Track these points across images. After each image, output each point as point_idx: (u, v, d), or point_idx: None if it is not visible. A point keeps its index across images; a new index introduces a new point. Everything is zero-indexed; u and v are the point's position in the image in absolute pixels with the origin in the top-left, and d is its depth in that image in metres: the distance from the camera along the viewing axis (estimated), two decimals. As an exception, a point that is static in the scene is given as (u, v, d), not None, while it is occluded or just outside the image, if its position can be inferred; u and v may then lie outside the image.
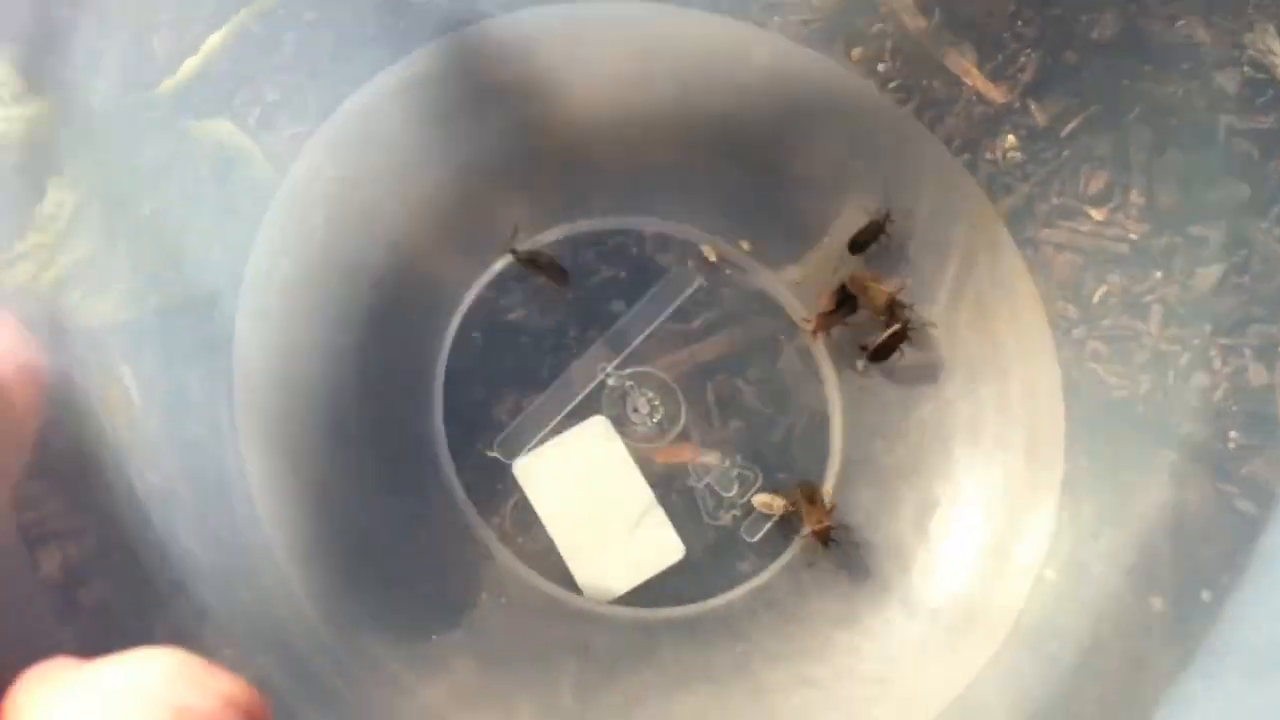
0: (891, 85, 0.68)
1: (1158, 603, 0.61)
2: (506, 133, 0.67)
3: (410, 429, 0.64)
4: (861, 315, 0.68)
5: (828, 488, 0.67)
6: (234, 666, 0.35)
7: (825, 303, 0.67)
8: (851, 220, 0.68)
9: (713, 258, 0.68)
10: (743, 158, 0.68)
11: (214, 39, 0.65)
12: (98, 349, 0.55)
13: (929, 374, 0.68)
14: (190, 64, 0.64)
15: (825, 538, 0.64)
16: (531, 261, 0.66)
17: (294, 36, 0.65)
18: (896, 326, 0.66)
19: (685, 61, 0.67)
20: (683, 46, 0.67)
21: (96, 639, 0.42)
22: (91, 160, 0.61)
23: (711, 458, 0.67)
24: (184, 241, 0.64)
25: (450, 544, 0.64)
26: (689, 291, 0.67)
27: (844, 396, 0.68)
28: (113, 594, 0.50)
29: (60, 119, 0.59)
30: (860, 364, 0.68)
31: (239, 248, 0.65)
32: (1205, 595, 0.60)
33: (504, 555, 0.64)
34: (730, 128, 0.67)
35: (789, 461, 0.67)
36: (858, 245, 0.67)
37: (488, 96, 0.67)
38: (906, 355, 0.67)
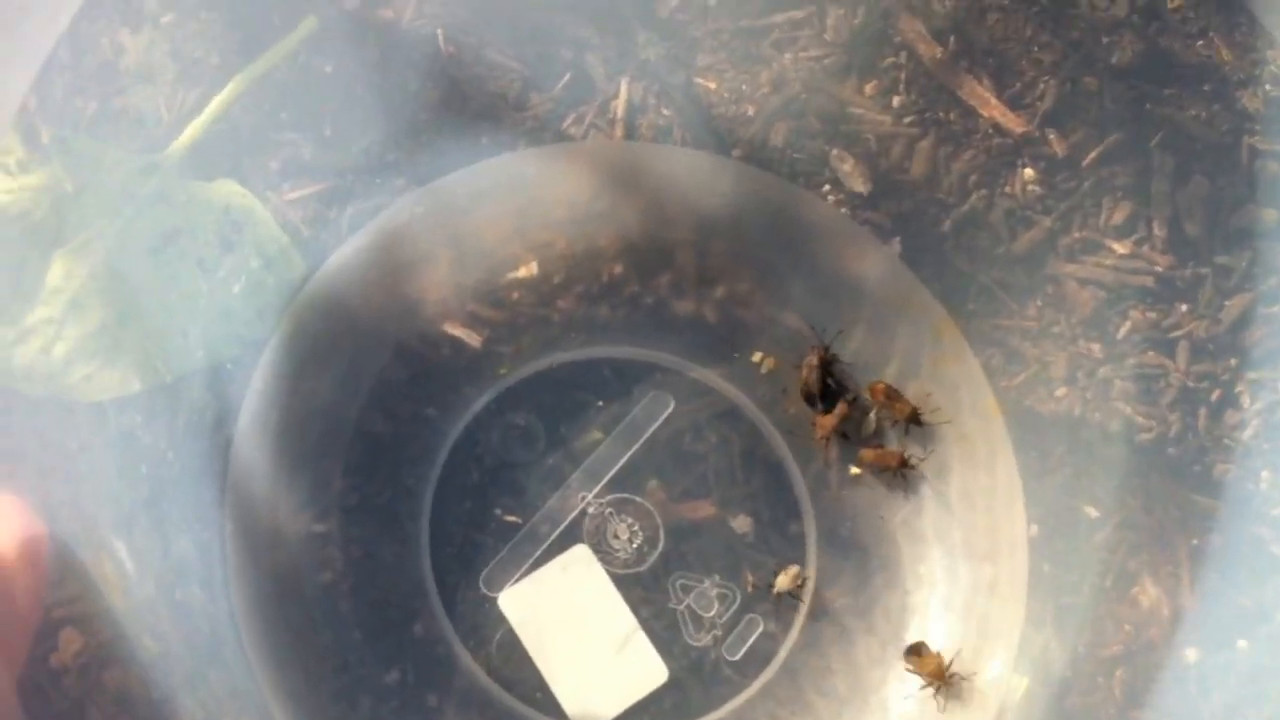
0: (907, 120, 0.67)
1: (1192, 654, 0.60)
2: (481, 267, 0.68)
3: (398, 568, 0.65)
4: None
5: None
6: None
7: (826, 418, 0.68)
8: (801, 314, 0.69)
9: (766, 368, 0.69)
10: (710, 282, 0.69)
11: (219, 100, 0.64)
12: (91, 524, 0.55)
13: (898, 480, 0.68)
14: (198, 122, 0.64)
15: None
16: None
17: (302, 95, 0.65)
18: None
19: (653, 194, 0.68)
20: (649, 180, 0.68)
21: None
22: (98, 229, 0.60)
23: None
24: (192, 310, 0.63)
25: (440, 679, 0.65)
26: (663, 416, 0.68)
27: (816, 503, 0.68)
28: None
29: (64, 188, 0.59)
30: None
31: (246, 318, 0.65)
32: (1242, 644, 0.59)
33: (493, 688, 0.65)
34: (698, 254, 0.69)
35: (768, 574, 0.67)
36: (809, 399, 0.68)
37: (474, 235, 0.68)
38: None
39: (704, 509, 0.68)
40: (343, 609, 0.65)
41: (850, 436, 0.68)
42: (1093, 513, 0.64)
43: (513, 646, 0.65)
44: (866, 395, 0.68)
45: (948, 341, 0.68)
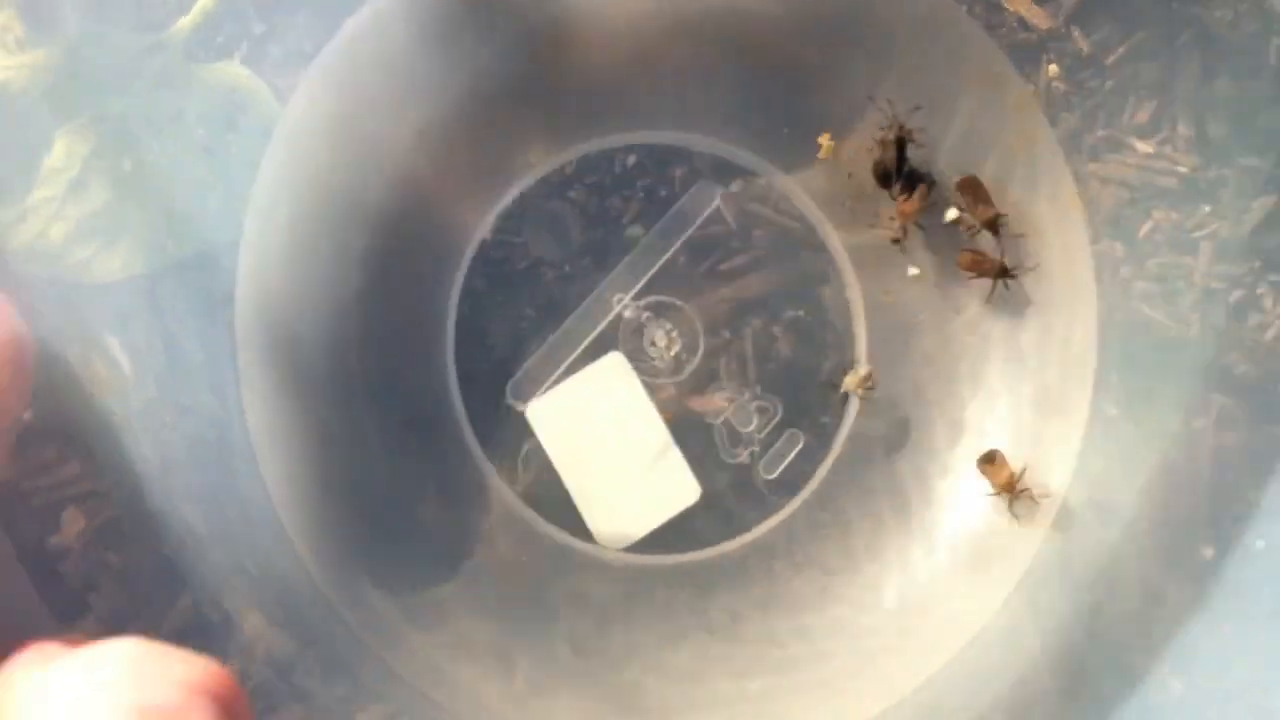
0: None
1: (1208, 551, 0.60)
2: (508, 50, 0.64)
3: (420, 376, 0.63)
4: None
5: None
6: (230, 628, 0.34)
7: (908, 203, 0.64)
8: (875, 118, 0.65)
9: (825, 152, 0.65)
10: (760, 58, 0.64)
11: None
12: (89, 315, 0.53)
13: (963, 291, 0.65)
14: (202, 3, 0.62)
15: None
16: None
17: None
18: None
19: None
20: None
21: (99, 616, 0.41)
22: (100, 109, 0.59)
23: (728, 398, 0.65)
24: (195, 191, 0.62)
25: (461, 494, 0.63)
26: (710, 209, 0.64)
27: (869, 307, 0.65)
28: (114, 566, 0.50)
29: (66, 66, 0.58)
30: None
31: (248, 196, 0.63)
32: (1260, 544, 0.59)
33: (516, 504, 0.63)
34: (747, 27, 0.64)
35: (810, 389, 0.65)
36: (885, 177, 0.64)
37: (488, 11, 0.64)
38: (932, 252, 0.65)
39: (750, 313, 0.65)
40: (361, 419, 0.62)
41: (924, 228, 0.65)
42: (1113, 412, 0.64)
43: (540, 462, 0.63)
44: (953, 190, 0.65)
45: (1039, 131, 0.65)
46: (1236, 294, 0.63)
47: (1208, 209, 0.63)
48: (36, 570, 0.51)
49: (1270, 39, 0.62)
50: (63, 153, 0.60)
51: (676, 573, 0.63)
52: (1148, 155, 0.64)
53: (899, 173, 0.64)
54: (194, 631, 0.53)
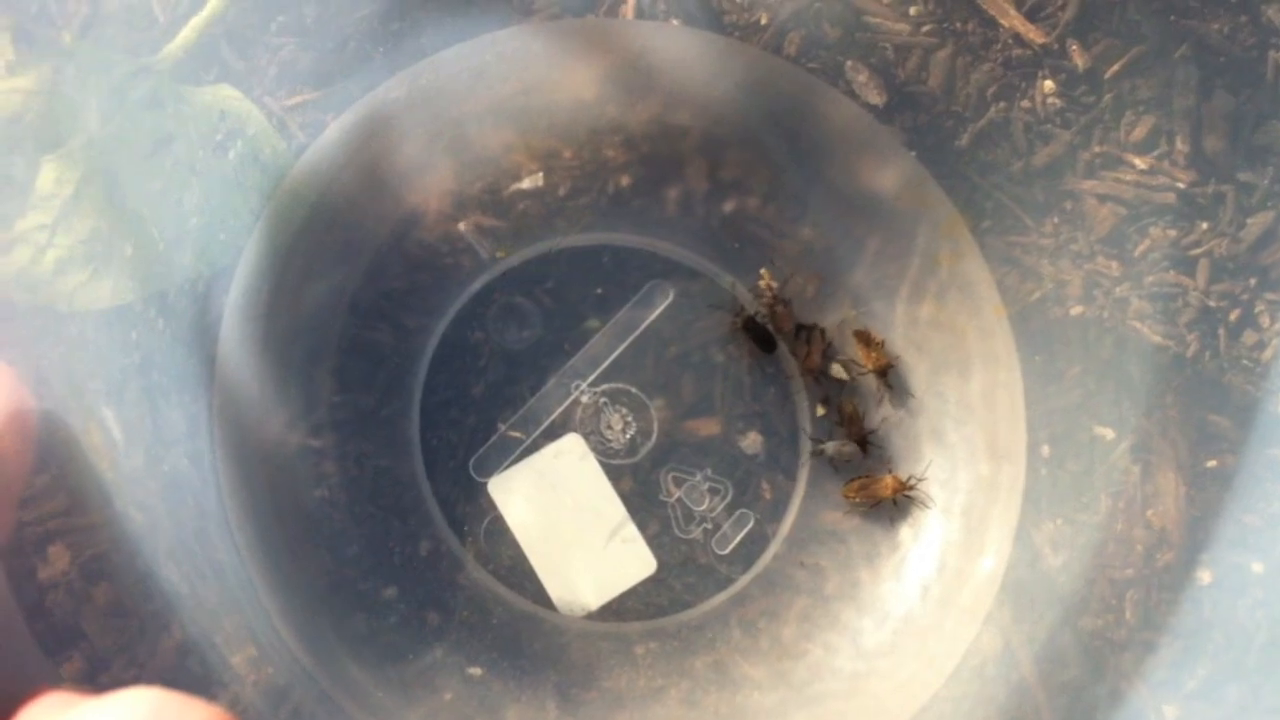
0: (925, 29, 0.65)
1: (1206, 576, 0.59)
2: (487, 148, 0.67)
3: (385, 451, 0.65)
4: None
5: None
6: (214, 697, 0.34)
7: (810, 356, 0.67)
8: (815, 227, 0.68)
9: (766, 283, 0.68)
10: (711, 171, 0.68)
11: (214, 1, 0.62)
12: (89, 386, 0.54)
13: (894, 375, 0.68)
14: (192, 26, 0.62)
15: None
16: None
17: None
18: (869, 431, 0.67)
19: (664, 76, 0.67)
20: (662, 61, 0.67)
21: (85, 673, 0.42)
22: (90, 133, 0.59)
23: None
24: (184, 217, 0.62)
25: (427, 566, 0.65)
26: (663, 306, 0.67)
27: (812, 400, 0.68)
28: (99, 627, 0.50)
29: (55, 91, 0.57)
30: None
31: (240, 223, 0.63)
32: (1257, 567, 0.58)
33: (480, 574, 0.65)
34: (705, 143, 0.67)
35: (758, 472, 0.67)
36: (765, 343, 0.67)
37: (475, 117, 0.67)
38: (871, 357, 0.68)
39: (704, 414, 0.67)
40: (330, 494, 0.65)
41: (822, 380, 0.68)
42: (1107, 433, 0.64)
43: (500, 534, 0.65)
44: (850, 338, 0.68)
45: (964, 246, 0.67)
46: (1234, 312, 0.62)
47: (1205, 226, 0.62)
48: (24, 604, 0.51)
49: (1268, 52, 0.61)
50: (51, 179, 0.59)
51: (650, 632, 0.65)
52: (1145, 171, 0.63)
53: (767, 341, 0.67)
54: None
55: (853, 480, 0.66)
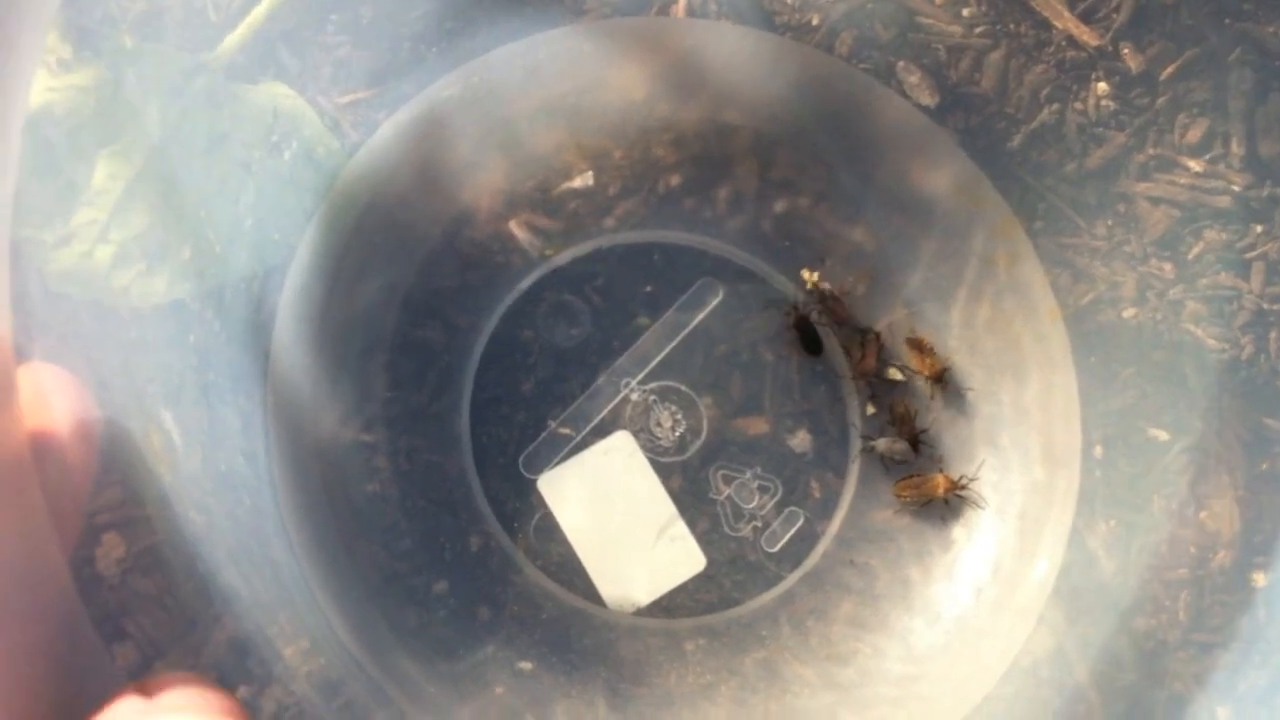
0: (978, 31, 0.65)
1: (1260, 578, 0.59)
2: (539, 146, 0.67)
3: (436, 447, 0.65)
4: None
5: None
6: (271, 696, 0.34)
7: (865, 359, 0.67)
8: (868, 227, 0.68)
9: (812, 284, 0.68)
10: (762, 170, 0.68)
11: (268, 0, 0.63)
12: (148, 390, 0.55)
13: (950, 376, 0.67)
14: (247, 24, 0.62)
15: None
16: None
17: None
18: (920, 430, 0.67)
19: (716, 75, 0.67)
20: (714, 60, 0.67)
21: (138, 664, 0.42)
22: (144, 130, 0.59)
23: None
24: (238, 214, 0.62)
25: (477, 562, 0.65)
26: (713, 304, 0.67)
27: (862, 400, 0.68)
28: (159, 629, 0.50)
29: (111, 88, 0.58)
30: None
31: (294, 221, 0.64)
32: None
33: (530, 570, 0.65)
34: (756, 142, 0.67)
35: (807, 470, 0.67)
36: (812, 344, 0.67)
37: (526, 116, 0.67)
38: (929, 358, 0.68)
39: (753, 413, 0.67)
40: (382, 491, 0.65)
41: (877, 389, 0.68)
42: (1161, 435, 0.63)
43: (550, 530, 0.66)
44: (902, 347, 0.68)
45: (1020, 249, 0.67)
46: (1290, 316, 0.61)
47: (1260, 229, 0.62)
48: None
49: (1324, 55, 0.60)
50: (105, 175, 0.60)
51: (699, 629, 0.65)
52: (1199, 174, 0.63)
53: (815, 343, 0.67)
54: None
55: (904, 479, 0.66)
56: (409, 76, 0.65)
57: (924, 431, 0.66)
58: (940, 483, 0.65)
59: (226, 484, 0.58)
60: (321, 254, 0.65)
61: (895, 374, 0.67)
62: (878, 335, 0.67)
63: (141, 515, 0.52)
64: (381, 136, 0.65)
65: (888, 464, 0.66)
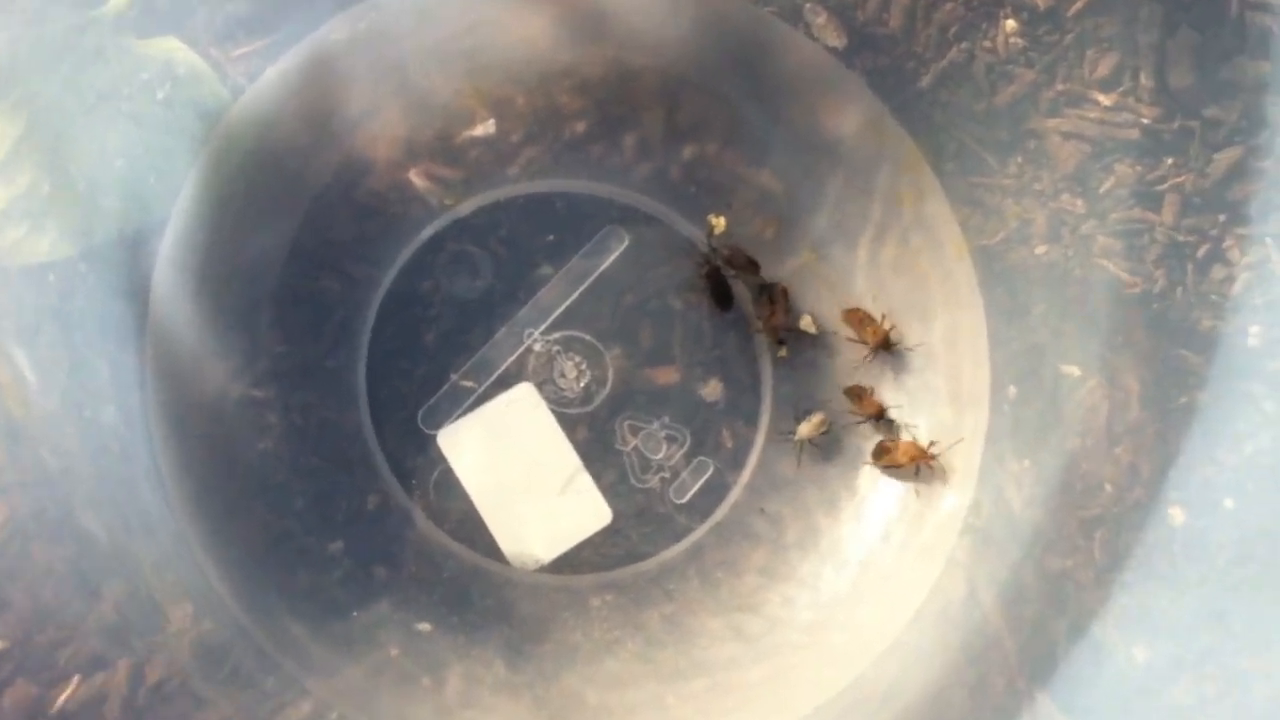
0: None
1: (1177, 514, 0.57)
2: (436, 93, 0.66)
3: (331, 402, 0.64)
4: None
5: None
6: (143, 656, 0.32)
7: (774, 314, 0.66)
8: (775, 171, 0.67)
9: (719, 229, 0.66)
10: (668, 115, 0.66)
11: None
12: None
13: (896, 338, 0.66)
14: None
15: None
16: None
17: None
18: (896, 440, 0.65)
19: (620, 19, 0.66)
20: (618, 3, 0.65)
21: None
22: (31, 89, 0.58)
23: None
24: (126, 171, 0.61)
25: (374, 520, 0.63)
26: (619, 251, 0.66)
27: (773, 348, 0.66)
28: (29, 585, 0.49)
29: (-3, 43, 0.56)
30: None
31: (177, 172, 0.62)
32: (1229, 504, 0.57)
33: (428, 527, 0.64)
34: (662, 86, 0.66)
35: (718, 419, 0.66)
36: (723, 299, 0.66)
37: (419, 60, 0.66)
38: (830, 302, 0.67)
39: (662, 363, 0.66)
40: (272, 445, 0.63)
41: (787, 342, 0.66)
42: (1074, 371, 0.62)
43: (451, 487, 0.64)
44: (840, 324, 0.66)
45: (926, 186, 0.66)
46: (1203, 248, 0.60)
47: (1171, 161, 0.61)
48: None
49: (1233, -12, 0.59)
50: (-9, 133, 0.58)
51: (605, 584, 0.64)
52: (1109, 108, 0.62)
53: (725, 297, 0.66)
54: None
55: (880, 446, 0.65)
56: (297, 23, 0.64)
57: (888, 410, 0.65)
58: (907, 450, 0.64)
59: (91, 429, 0.56)
60: (204, 201, 0.63)
61: (808, 324, 0.66)
62: (785, 290, 0.66)
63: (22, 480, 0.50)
64: (266, 81, 0.63)
65: (799, 456, 0.65)
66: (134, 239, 0.61)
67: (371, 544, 0.63)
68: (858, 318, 0.65)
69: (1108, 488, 0.60)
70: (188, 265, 0.63)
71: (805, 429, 0.65)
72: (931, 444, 0.64)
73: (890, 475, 0.65)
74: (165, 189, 0.63)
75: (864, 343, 0.65)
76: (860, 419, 0.65)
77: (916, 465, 0.64)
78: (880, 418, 0.65)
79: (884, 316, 0.66)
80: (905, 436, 0.65)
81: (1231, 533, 0.57)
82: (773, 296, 0.65)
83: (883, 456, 0.64)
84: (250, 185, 0.64)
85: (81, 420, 0.56)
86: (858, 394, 0.65)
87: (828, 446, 0.66)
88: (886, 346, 0.65)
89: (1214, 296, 0.60)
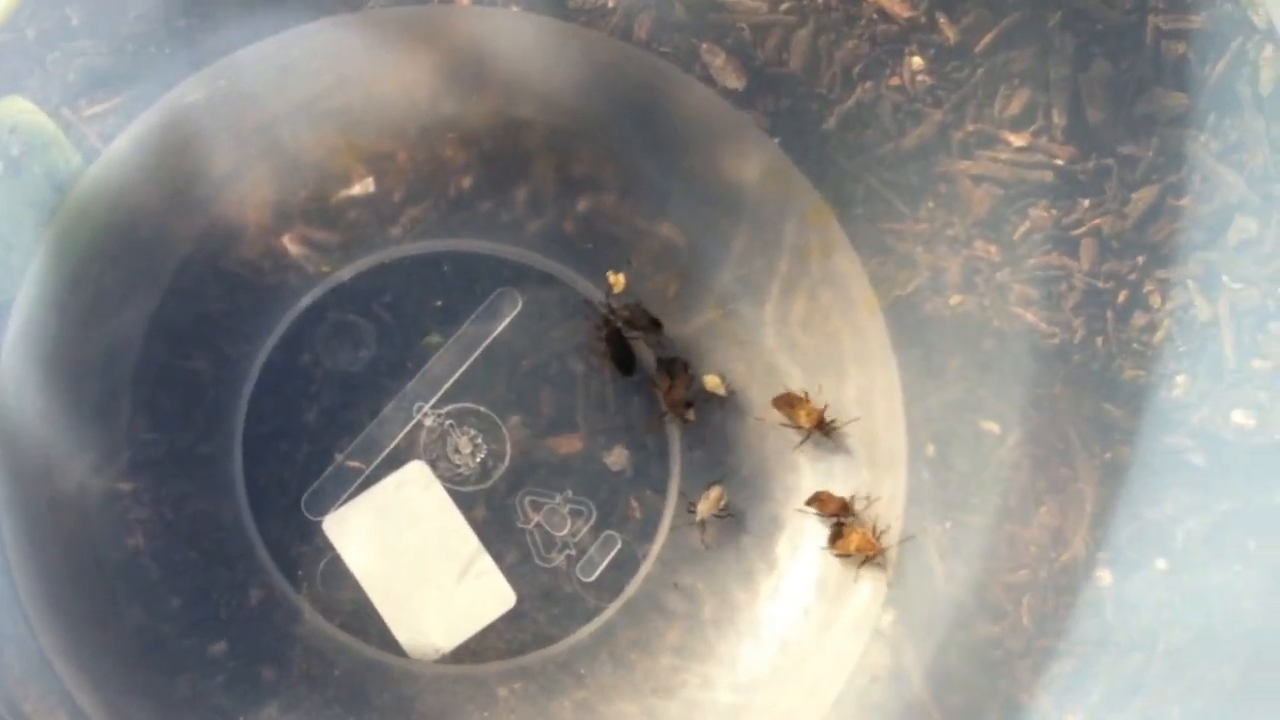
0: (783, 7, 0.62)
1: (1106, 576, 0.56)
2: (307, 152, 0.62)
3: (206, 492, 0.60)
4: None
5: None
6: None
7: (674, 389, 0.63)
8: (675, 223, 0.64)
9: (619, 287, 0.64)
10: (560, 167, 0.64)
11: (6, 2, 0.57)
12: None
13: (766, 380, 0.64)
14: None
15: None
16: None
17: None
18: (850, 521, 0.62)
19: (503, 66, 0.63)
20: (500, 50, 0.63)
21: None
22: None
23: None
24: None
25: (259, 616, 0.60)
26: (512, 315, 0.63)
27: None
28: None
29: None
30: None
31: (19, 254, 0.59)
32: (1160, 564, 0.56)
33: (318, 621, 0.61)
34: (552, 137, 0.63)
35: (625, 489, 0.63)
36: (624, 366, 0.63)
37: (286, 118, 0.62)
38: (739, 360, 0.64)
39: (564, 431, 0.63)
40: (140, 542, 0.60)
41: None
42: (993, 428, 0.61)
43: (340, 576, 0.61)
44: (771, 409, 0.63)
45: (833, 238, 0.63)
46: (1122, 294, 0.59)
47: (1087, 203, 0.60)
48: None
49: (1147, 15, 0.58)
50: None
51: (512, 672, 0.61)
52: (1021, 149, 0.60)
53: (628, 360, 0.63)
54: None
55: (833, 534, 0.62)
56: (147, 83, 0.60)
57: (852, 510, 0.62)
58: (855, 542, 0.61)
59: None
60: (51, 284, 0.59)
61: (716, 385, 0.63)
62: (685, 363, 0.63)
63: None
64: (117, 151, 0.60)
65: (704, 535, 0.62)
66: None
67: (257, 643, 0.60)
68: (788, 401, 0.63)
69: (1033, 549, 0.58)
70: (35, 355, 0.59)
71: (704, 506, 0.62)
72: (881, 534, 0.62)
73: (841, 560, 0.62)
74: (7, 272, 0.59)
75: (799, 427, 0.63)
76: (798, 429, 0.63)
77: (810, 430, 0.62)
78: (823, 428, 0.62)
79: (811, 395, 0.63)
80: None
81: (1162, 595, 0.55)
82: (671, 370, 0.63)
83: (784, 409, 0.62)
84: (105, 260, 0.60)
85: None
86: (789, 402, 0.63)
87: (743, 513, 0.63)
88: (823, 429, 0.62)
89: (1135, 345, 0.59)
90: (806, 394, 0.63)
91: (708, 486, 0.62)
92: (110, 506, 0.59)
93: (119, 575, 0.59)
